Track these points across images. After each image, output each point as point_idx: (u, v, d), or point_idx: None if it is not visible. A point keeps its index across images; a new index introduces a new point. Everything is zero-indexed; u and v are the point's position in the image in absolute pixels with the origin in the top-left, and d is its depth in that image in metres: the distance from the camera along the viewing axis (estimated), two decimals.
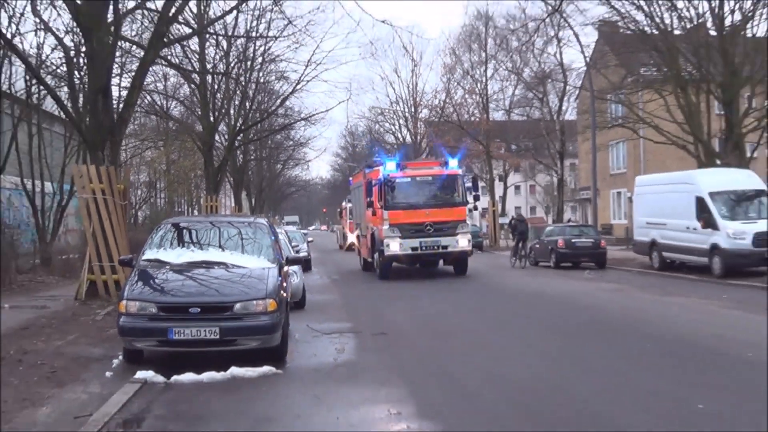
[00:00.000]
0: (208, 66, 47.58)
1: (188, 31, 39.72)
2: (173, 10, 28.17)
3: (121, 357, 15.28)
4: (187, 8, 35.60)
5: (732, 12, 43.05)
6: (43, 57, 35.97)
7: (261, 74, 53.93)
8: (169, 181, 67.28)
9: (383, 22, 39.53)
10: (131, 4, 31.00)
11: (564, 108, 71.79)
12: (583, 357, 15.96)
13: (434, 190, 37.28)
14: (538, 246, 46.19)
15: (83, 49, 29.08)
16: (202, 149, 50.43)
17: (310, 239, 54.92)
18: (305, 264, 34.43)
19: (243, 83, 51.04)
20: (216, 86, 49.44)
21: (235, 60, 49.78)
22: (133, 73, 30.66)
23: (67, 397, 12.41)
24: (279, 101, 58.43)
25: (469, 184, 39.65)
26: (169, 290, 15.10)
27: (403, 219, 35.84)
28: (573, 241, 42.97)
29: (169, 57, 40.16)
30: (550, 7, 46.99)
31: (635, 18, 45.63)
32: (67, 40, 32.62)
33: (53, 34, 32.28)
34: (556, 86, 70.95)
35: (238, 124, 53.14)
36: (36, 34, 36.12)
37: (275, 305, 14.66)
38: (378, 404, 12.03)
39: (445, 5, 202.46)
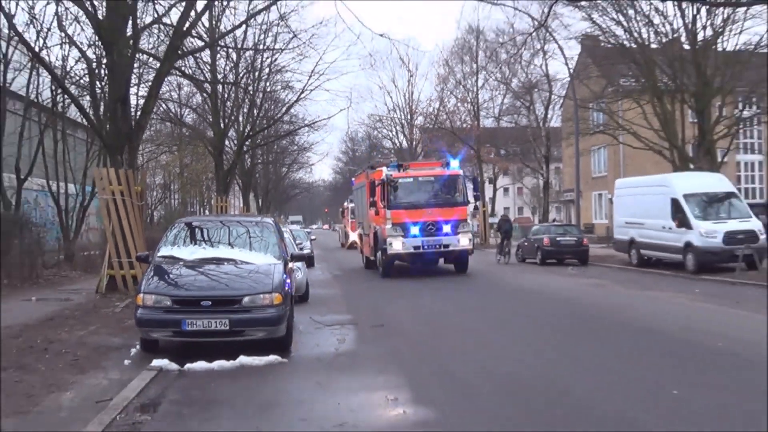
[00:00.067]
0: (219, 76, 47.54)
1: (201, 44, 39.73)
2: (187, 24, 28.18)
3: (138, 346, 15.35)
4: (199, 23, 35.64)
5: (704, 28, 43.32)
6: (68, 68, 35.94)
7: (268, 84, 53.88)
8: (182, 183, 67.23)
9: (382, 35, 39.43)
10: (148, 20, 31.00)
11: (549, 116, 71.63)
12: (565, 346, 16.04)
13: (436, 190, 36.11)
14: (525, 244, 46.11)
15: (104, 61, 29.09)
16: (213, 154, 50.44)
17: (313, 237, 54.98)
18: (308, 261, 34.29)
19: (251, 92, 50.98)
20: (226, 95, 49.39)
21: (244, 71, 49.69)
22: (150, 83, 30.65)
23: (89, 383, 12.46)
24: (284, 109, 58.38)
25: (470, 185, 39.04)
26: (182, 284, 15.13)
27: (406, 218, 34.80)
28: (558, 239, 42.93)
29: (182, 68, 40.11)
30: (536, 22, 46.92)
31: (615, 33, 45.82)
32: (90, 53, 32.65)
33: (77, 47, 32.29)
34: (542, 95, 70.83)
35: (247, 130, 53.09)
36: (61, 48, 36.02)
37: (281, 299, 14.73)
38: (376, 391, 12.10)
39: (439, 20, 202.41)
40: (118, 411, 10.62)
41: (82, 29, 33.70)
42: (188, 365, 13.60)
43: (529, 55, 66.17)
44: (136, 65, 30.89)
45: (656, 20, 44.43)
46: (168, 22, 30.45)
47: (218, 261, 16.17)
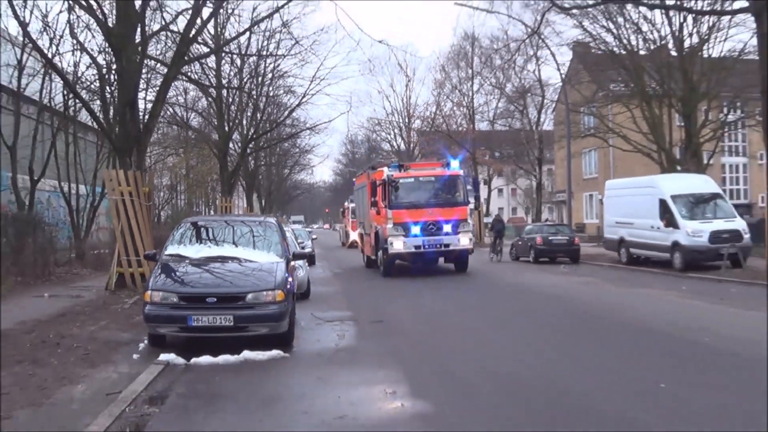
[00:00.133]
0: (224, 81, 47.53)
1: (206, 50, 39.70)
2: (193, 31, 28.29)
3: (146, 341, 15.39)
4: (205, 30, 35.75)
5: (690, 35, 43.59)
6: (79, 74, 35.93)
7: (271, 88, 53.96)
8: (188, 184, 67.23)
9: (380, 42, 39.67)
10: (156, 27, 31.03)
11: (542, 119, 71.64)
12: (558, 341, 16.05)
13: (437, 190, 35.06)
14: (519, 243, 46.09)
15: (114, 67, 29.19)
16: (217, 156, 50.58)
17: (314, 236, 55.01)
18: (310, 259, 34.29)
19: (254, 97, 51.08)
20: (230, 99, 49.52)
21: (248, 76, 49.86)
22: (158, 88, 30.66)
23: (99, 377, 12.48)
24: (286, 113, 58.46)
25: (470, 186, 38.21)
26: (188, 282, 15.16)
27: (407, 218, 33.82)
28: (550, 238, 42.91)
29: (189, 73, 40.11)
30: (529, 30, 47.09)
31: (605, 40, 46.11)
32: (100, 59, 32.68)
33: (88, 53, 32.40)
34: (535, 100, 70.85)
35: (250, 133, 53.20)
36: (73, 54, 36.12)
37: (283, 296, 14.77)
38: (375, 385, 12.08)
39: (436, 27, 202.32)
40: (128, 403, 10.68)
41: (93, 36, 33.95)
42: (194, 360, 13.63)
43: (523, 61, 66.39)
44: (144, 71, 30.99)
45: (644, 28, 44.81)
46: (175, 29, 30.61)
47: (223, 259, 16.21)
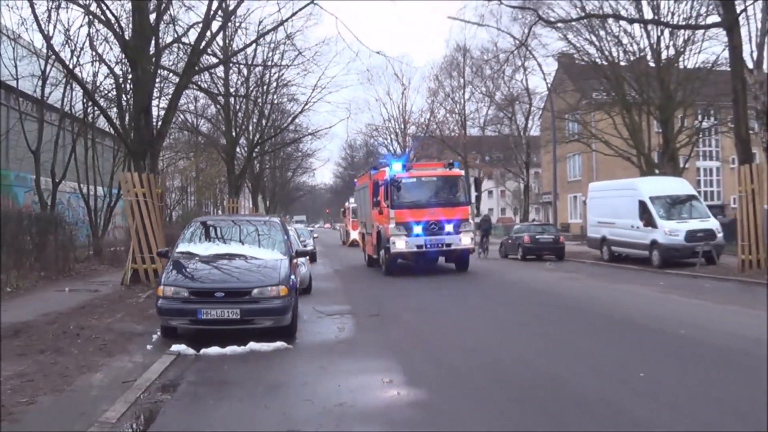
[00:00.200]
0: (232, 90, 47.49)
1: (215, 60, 39.71)
2: (203, 43, 28.37)
3: (159, 333, 15.45)
4: (214, 42, 35.75)
5: (667, 47, 43.93)
6: (98, 83, 36.00)
7: (275, 96, 54.00)
8: (197, 186, 67.08)
9: (378, 53, 39.87)
10: (169, 39, 31.05)
11: (529, 125, 71.53)
12: (544, 331, 16.10)
13: (438, 190, 33.51)
14: (508, 242, 46.12)
15: (130, 76, 29.16)
16: (225, 159, 50.47)
17: (315, 235, 54.95)
18: (311, 256, 34.23)
19: (260, 104, 51.18)
20: (237, 107, 49.44)
21: (254, 85, 49.81)
22: (170, 96, 30.71)
23: (116, 365, 12.52)
24: (290, 119, 58.44)
25: (472, 186, 35.83)
26: (198, 278, 15.26)
27: (409, 218, 32.36)
28: (537, 237, 42.93)
29: (199, 82, 40.11)
30: (517, 42, 47.03)
31: (588, 51, 46.36)
32: (117, 70, 32.74)
33: (106, 64, 32.50)
34: (523, 107, 70.77)
35: (256, 138, 53.06)
36: (92, 65, 36.00)
37: (287, 291, 14.84)
38: (373, 374, 12.12)
39: (430, 39, 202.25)
40: (142, 390, 10.73)
41: (111, 48, 33.81)
42: (204, 350, 13.68)
43: (511, 71, 66.27)
44: (157, 80, 31.05)
45: (625, 40, 45.03)
46: (186, 41, 30.63)
47: (230, 256, 16.28)
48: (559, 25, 42.94)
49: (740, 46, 28.52)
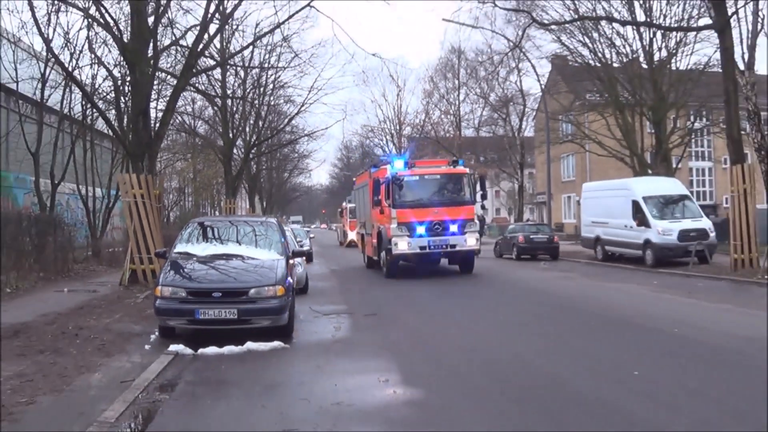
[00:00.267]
0: (229, 91, 47.54)
1: (213, 63, 39.74)
2: (201, 46, 28.37)
3: (157, 333, 15.42)
4: (212, 45, 35.73)
5: (660, 49, 43.96)
6: (96, 86, 36.04)
7: (272, 98, 54.02)
8: (195, 187, 67.20)
9: (374, 55, 40.09)
10: (167, 42, 31.09)
11: (523, 126, 71.61)
12: (541, 330, 16.10)
13: (442, 189, 31.83)
14: (502, 241, 46.16)
15: (128, 79, 29.18)
16: (222, 161, 50.47)
17: (311, 236, 54.86)
18: (308, 257, 34.19)
19: (257, 106, 51.09)
20: (234, 108, 49.48)
21: (251, 86, 49.82)
22: (168, 98, 30.74)
23: (114, 365, 12.51)
24: (286, 120, 58.50)
25: (477, 183, 33.45)
26: (195, 278, 15.23)
27: (411, 217, 30.62)
28: (531, 237, 42.98)
29: (196, 84, 40.15)
30: (511, 44, 47.17)
31: (582, 53, 46.38)
32: (116, 72, 32.78)
33: (105, 67, 32.58)
34: (517, 108, 70.84)
35: (253, 140, 53.16)
36: (91, 67, 36.03)
37: (283, 291, 14.82)
38: (369, 373, 12.12)
39: (425, 41, 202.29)
40: (140, 390, 10.72)
41: (110, 51, 33.92)
42: (201, 350, 13.67)
43: (505, 73, 66.40)
44: (155, 82, 30.98)
45: (617, 42, 45.10)
46: (184, 44, 30.61)
47: (227, 257, 16.28)
48: (553, 27, 43.04)
49: (732, 48, 28.54)
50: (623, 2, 43.12)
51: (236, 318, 14.45)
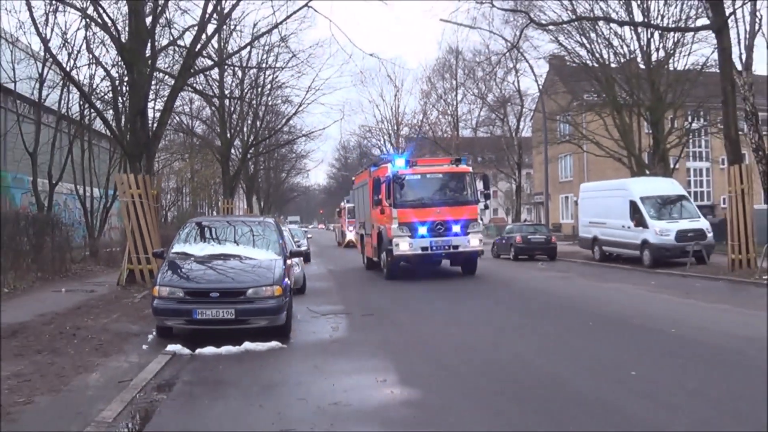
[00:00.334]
0: (226, 92, 47.53)
1: (210, 63, 39.76)
2: (198, 46, 28.34)
3: (154, 333, 15.45)
4: (209, 45, 35.74)
5: (657, 50, 44.04)
6: (94, 86, 36.08)
7: (269, 98, 53.94)
8: (192, 187, 67.26)
9: (371, 55, 40.04)
10: (165, 42, 31.16)
11: (521, 127, 71.56)
12: (542, 331, 16.07)
13: (445, 188, 30.88)
14: (500, 242, 46.11)
15: (126, 79, 29.22)
16: (220, 161, 50.47)
17: (309, 236, 54.81)
18: (305, 257, 34.09)
19: (254, 106, 51.01)
20: (232, 108, 49.46)
21: (248, 87, 49.80)
22: (165, 98, 30.81)
23: (112, 365, 12.51)
24: (284, 121, 58.37)
25: (480, 182, 32.91)
26: (193, 278, 15.25)
27: (413, 217, 29.68)
28: (529, 237, 42.98)
29: (194, 84, 40.21)
30: (509, 44, 47.14)
31: (579, 53, 46.42)
32: (114, 72, 32.89)
33: (102, 67, 32.63)
34: (515, 109, 70.77)
35: (250, 140, 53.04)
36: (89, 68, 36.12)
37: (281, 291, 14.81)
38: (367, 373, 12.14)
39: (423, 42, 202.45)
40: (138, 390, 10.71)
41: (107, 51, 34.01)
42: (199, 350, 13.66)
43: (503, 73, 66.40)
44: (153, 82, 30.99)
45: (615, 43, 45.18)
46: (182, 44, 30.69)
47: (225, 257, 16.30)
48: (551, 27, 43.09)
49: (729, 48, 28.56)
50: (621, 3, 43.18)
51: (234, 318, 14.45)
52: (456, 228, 29.84)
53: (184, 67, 28.20)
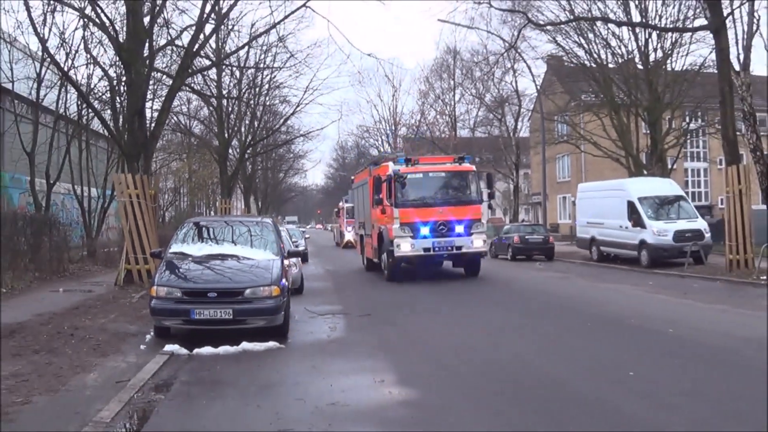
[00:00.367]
0: (224, 92, 47.48)
1: (208, 63, 39.74)
2: (196, 46, 28.32)
3: (152, 333, 15.45)
4: (207, 45, 35.72)
5: (655, 50, 43.97)
6: (92, 86, 36.03)
7: (267, 98, 53.83)
8: (190, 187, 67.11)
9: (369, 55, 40.09)
10: (163, 42, 31.08)
11: (519, 127, 71.41)
12: (541, 331, 16.12)
13: (448, 187, 29.93)
14: (498, 242, 46.14)
15: (124, 79, 29.23)
16: (218, 161, 50.51)
17: (307, 236, 54.79)
18: (303, 257, 34.05)
19: (252, 106, 51.06)
20: (230, 108, 49.42)
21: (246, 87, 49.79)
22: (163, 98, 30.77)
23: (109, 365, 12.51)
24: (282, 121, 58.25)
25: (483, 181, 31.65)
26: (191, 278, 15.27)
27: (415, 217, 28.84)
28: (526, 237, 42.99)
29: (192, 84, 40.13)
30: (507, 44, 47.11)
31: (577, 54, 46.37)
32: (111, 72, 32.74)
33: (100, 67, 32.49)
34: (512, 109, 70.66)
35: (248, 140, 53.16)
36: (87, 67, 36.22)
37: (279, 291, 14.84)
38: (365, 373, 12.13)
39: (421, 42, 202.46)
40: (136, 390, 10.72)
41: (105, 51, 33.94)
42: (197, 350, 13.68)
43: (501, 73, 66.25)
44: (151, 82, 31.04)
45: (613, 43, 45.12)
46: (180, 44, 30.64)
47: (223, 257, 16.31)
48: (549, 27, 43.11)
49: (727, 49, 28.57)
50: (619, 3, 43.21)
51: (231, 318, 14.47)
52: (459, 228, 29.07)
53: (182, 67, 28.20)
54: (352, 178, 45.60)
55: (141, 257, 24.88)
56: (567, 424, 9.00)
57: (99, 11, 26.62)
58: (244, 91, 49.38)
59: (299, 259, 26.09)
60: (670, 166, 44.84)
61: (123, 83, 30.52)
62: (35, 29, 27.64)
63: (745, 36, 29.13)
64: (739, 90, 28.41)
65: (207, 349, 13.69)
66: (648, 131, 44.73)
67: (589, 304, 21.14)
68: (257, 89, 51.00)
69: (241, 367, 12.68)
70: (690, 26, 39.87)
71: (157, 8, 27.66)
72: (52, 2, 28.89)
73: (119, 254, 28.08)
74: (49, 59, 30.48)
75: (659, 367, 11.97)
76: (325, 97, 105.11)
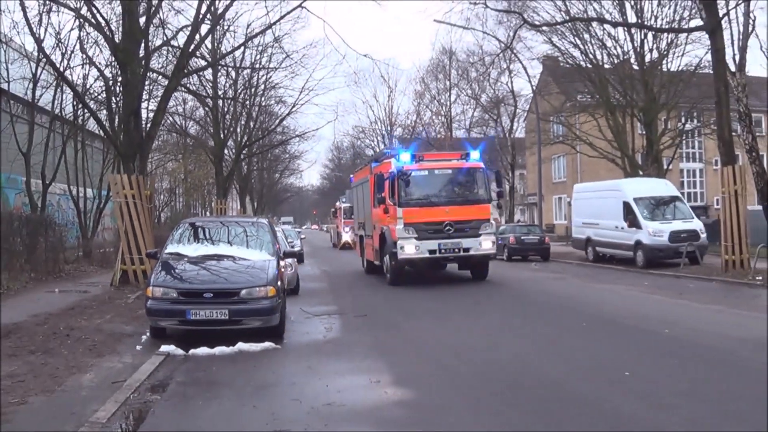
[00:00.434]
0: (220, 92, 47.56)
1: (204, 63, 39.80)
2: (192, 46, 28.35)
3: (148, 333, 15.43)
4: (203, 45, 35.73)
5: (651, 51, 44.08)
6: (88, 86, 36.04)
7: (263, 99, 53.94)
8: (186, 187, 67.13)
9: (365, 56, 39.96)
10: (158, 42, 31.10)
11: (514, 127, 71.49)
12: (535, 331, 16.15)
13: (455, 185, 28.29)
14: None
15: (119, 79, 29.16)
16: (213, 161, 50.50)
17: (302, 236, 54.80)
18: (299, 257, 33.98)
19: (248, 106, 51.10)
20: (226, 109, 49.47)
21: (242, 87, 49.78)
22: (159, 99, 30.72)
23: (105, 366, 12.50)
24: (277, 121, 58.46)
25: (491, 179, 29.75)
26: (187, 278, 15.27)
27: (420, 217, 27.24)
28: (522, 238, 43.02)
29: (188, 85, 40.16)
30: (503, 45, 47.14)
31: (573, 54, 46.51)
32: (107, 72, 32.78)
33: (96, 67, 32.50)
34: (508, 109, 70.74)
35: (244, 140, 53.11)
36: (82, 68, 36.20)
37: (274, 291, 14.85)
38: (361, 374, 12.12)
39: (416, 42, 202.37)
40: (132, 391, 10.72)
41: (101, 51, 33.88)
42: (192, 351, 13.68)
43: (497, 74, 66.25)
44: (147, 83, 31.01)
45: (609, 43, 45.25)
46: (175, 44, 30.67)
47: (219, 257, 16.30)
48: (544, 28, 43.17)
49: (723, 50, 28.57)
50: (614, 3, 43.32)
51: (227, 318, 14.46)
52: (467, 229, 27.58)
53: (178, 68, 28.22)
54: (351, 176, 45.07)
55: (137, 258, 24.86)
56: (566, 424, 9.00)
57: (95, 11, 26.58)
58: (239, 91, 49.36)
59: (295, 259, 26.07)
60: (665, 167, 45.06)
61: (119, 83, 30.44)
62: (31, 29, 27.61)
63: (741, 37, 29.12)
64: (735, 90, 28.43)
65: (203, 350, 13.69)
66: (644, 132, 44.87)
67: (585, 304, 21.13)
68: (253, 90, 51.08)
69: (237, 367, 12.67)
70: (685, 27, 39.99)
71: (153, 8, 27.64)
72: (47, 2, 28.88)
73: (115, 255, 28.04)
74: (44, 59, 30.41)
75: (656, 368, 11.96)
76: (320, 98, 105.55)
